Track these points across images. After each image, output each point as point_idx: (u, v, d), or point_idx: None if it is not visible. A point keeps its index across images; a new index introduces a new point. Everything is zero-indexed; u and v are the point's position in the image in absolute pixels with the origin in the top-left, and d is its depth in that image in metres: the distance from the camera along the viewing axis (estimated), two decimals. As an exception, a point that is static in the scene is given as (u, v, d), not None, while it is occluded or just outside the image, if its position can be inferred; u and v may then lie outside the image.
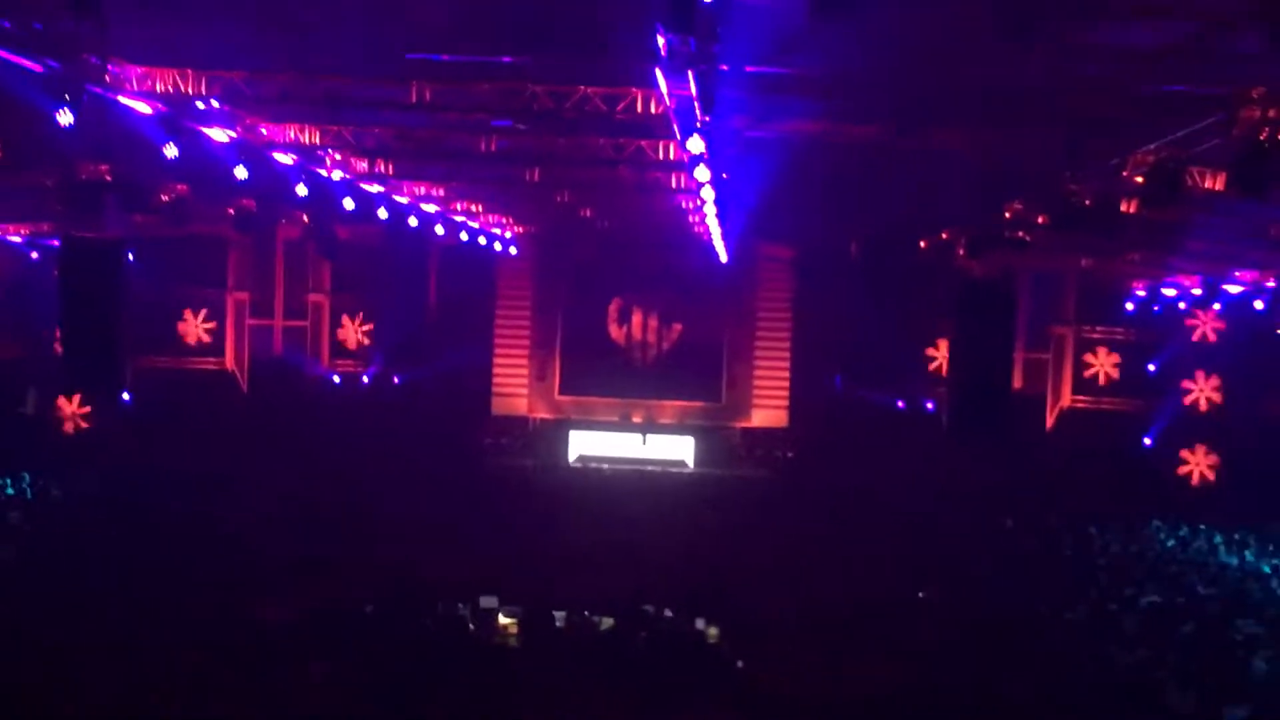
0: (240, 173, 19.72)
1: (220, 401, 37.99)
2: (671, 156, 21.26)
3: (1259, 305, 30.23)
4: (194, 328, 39.09)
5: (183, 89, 16.90)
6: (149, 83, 16.72)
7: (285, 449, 33.65)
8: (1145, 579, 22.89)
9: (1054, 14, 11.16)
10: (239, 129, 19.48)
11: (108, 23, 14.01)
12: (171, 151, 17.44)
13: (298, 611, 16.60)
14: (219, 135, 18.90)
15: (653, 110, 17.05)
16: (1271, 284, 28.07)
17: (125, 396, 31.67)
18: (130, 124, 17.18)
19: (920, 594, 20.90)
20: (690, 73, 12.59)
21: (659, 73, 13.63)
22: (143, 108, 16.87)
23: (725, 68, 13.67)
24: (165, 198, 25.53)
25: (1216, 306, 33.99)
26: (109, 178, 23.12)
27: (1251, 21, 11.43)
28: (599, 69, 16.66)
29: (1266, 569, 24.93)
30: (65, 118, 14.59)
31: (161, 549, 21.16)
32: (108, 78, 15.75)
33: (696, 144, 16.08)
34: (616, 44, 14.14)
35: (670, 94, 14.98)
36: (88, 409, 34.75)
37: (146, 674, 14.05)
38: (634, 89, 17.00)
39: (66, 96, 14.45)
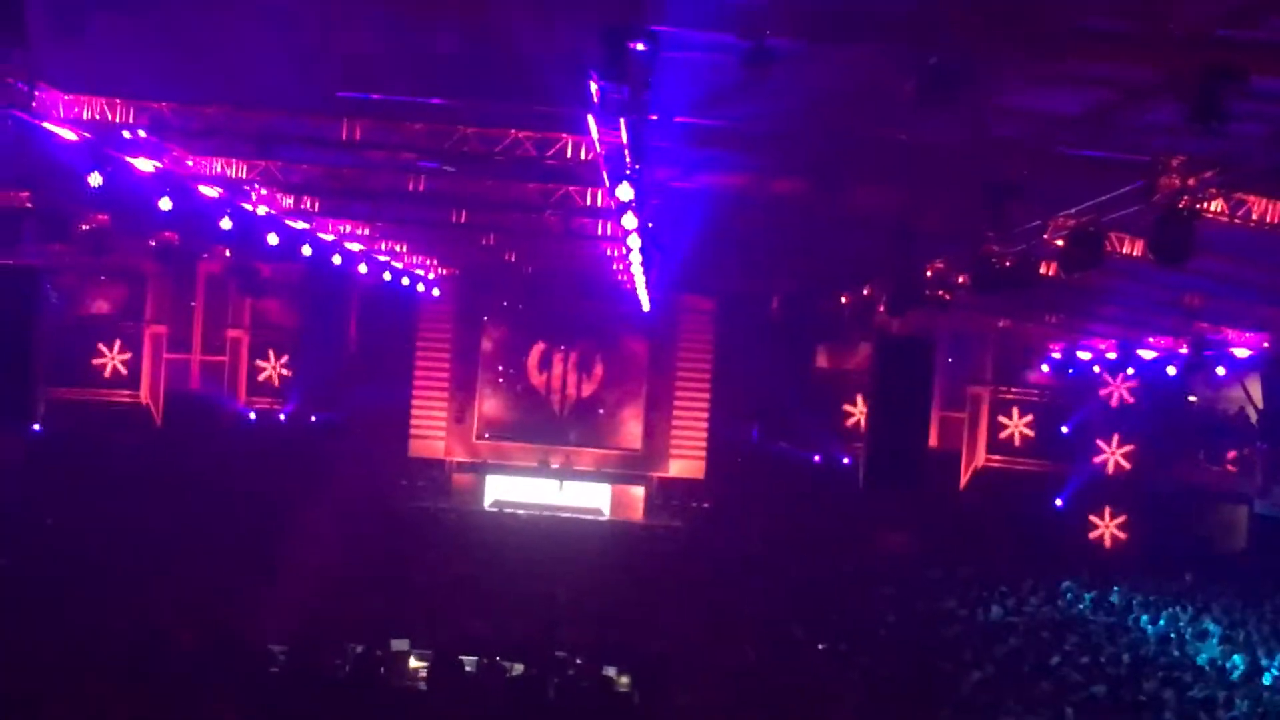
0: (164, 204, 19.53)
1: (133, 435, 37.48)
2: (599, 203, 21.34)
3: (1171, 371, 30.71)
4: (109, 359, 38.69)
5: (109, 118, 16.76)
6: (75, 110, 16.58)
7: (198, 485, 33.20)
8: (1055, 639, 23.10)
9: (977, 77, 11.33)
10: (165, 160, 19.35)
11: (34, 48, 13.91)
12: (95, 180, 17.28)
13: (206, 651, 16.36)
14: (144, 165, 18.76)
15: (582, 156, 17.13)
16: (1184, 351, 28.54)
17: (35, 427, 31.16)
18: (53, 151, 17.01)
19: (820, 646, 20.95)
20: (622, 120, 12.68)
21: (591, 119, 13.71)
22: (68, 135, 16.72)
23: (655, 117, 13.79)
24: (85, 227, 25.30)
25: (1130, 371, 34.52)
26: (29, 205, 22.87)
27: (1165, 94, 11.67)
28: (531, 114, 16.71)
29: (1173, 633, 25.22)
30: (-13, 143, 14.45)
31: (66, 583, 20.84)
32: (33, 104, 15.61)
33: (626, 191, 16.13)
34: (549, 89, 14.20)
35: (601, 141, 15.07)
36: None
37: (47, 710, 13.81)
38: (565, 134, 17.07)
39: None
